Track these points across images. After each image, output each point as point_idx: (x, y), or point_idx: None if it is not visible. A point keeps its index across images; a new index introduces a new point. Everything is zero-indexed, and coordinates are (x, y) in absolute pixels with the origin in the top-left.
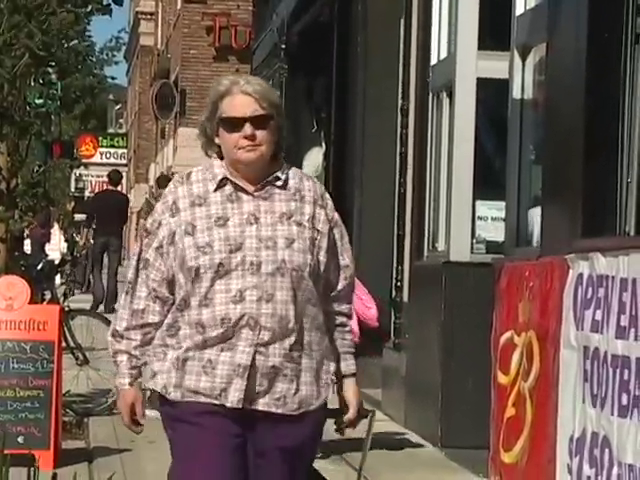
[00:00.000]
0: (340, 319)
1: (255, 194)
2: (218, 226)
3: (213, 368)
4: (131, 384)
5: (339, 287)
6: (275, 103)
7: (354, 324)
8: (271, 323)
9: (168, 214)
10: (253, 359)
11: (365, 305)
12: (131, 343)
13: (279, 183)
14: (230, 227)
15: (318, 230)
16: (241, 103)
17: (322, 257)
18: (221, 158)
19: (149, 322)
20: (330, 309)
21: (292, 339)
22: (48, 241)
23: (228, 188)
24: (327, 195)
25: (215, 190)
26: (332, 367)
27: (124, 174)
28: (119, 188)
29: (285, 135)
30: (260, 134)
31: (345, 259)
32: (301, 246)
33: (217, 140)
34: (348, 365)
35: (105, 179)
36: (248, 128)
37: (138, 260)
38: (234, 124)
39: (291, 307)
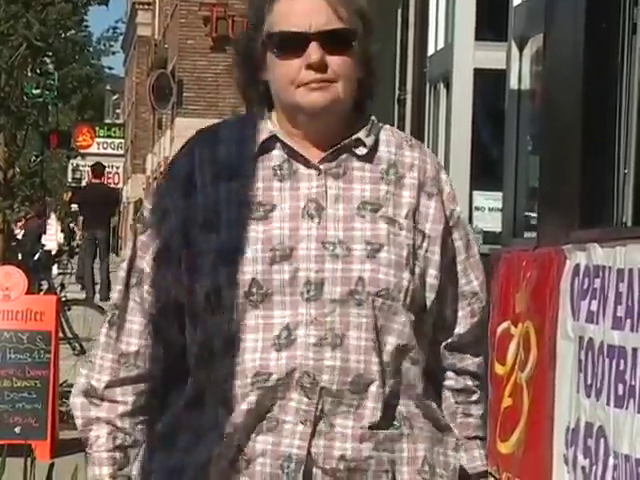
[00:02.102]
0: (462, 382)
1: (322, 167)
2: (255, 218)
3: (247, 465)
4: (114, 477)
5: (460, 328)
6: (362, 11)
7: None
8: (339, 384)
9: (179, 193)
10: (310, 446)
11: None
12: (116, 408)
13: (362, 151)
14: (275, 220)
15: (424, 233)
16: (304, 9)
17: (431, 278)
18: (269, 108)
19: (146, 375)
20: (444, 365)
21: (376, 413)
22: (44, 232)
23: (278, 154)
24: (444, 175)
25: (256, 156)
26: (452, 460)
27: (121, 164)
28: (117, 181)
29: (376, 71)
30: (335, 62)
31: (472, 282)
32: (393, 257)
33: (264, 75)
34: (474, 459)
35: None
36: (315, 51)
37: (129, 271)
38: (291, 44)
39: (373, 358)
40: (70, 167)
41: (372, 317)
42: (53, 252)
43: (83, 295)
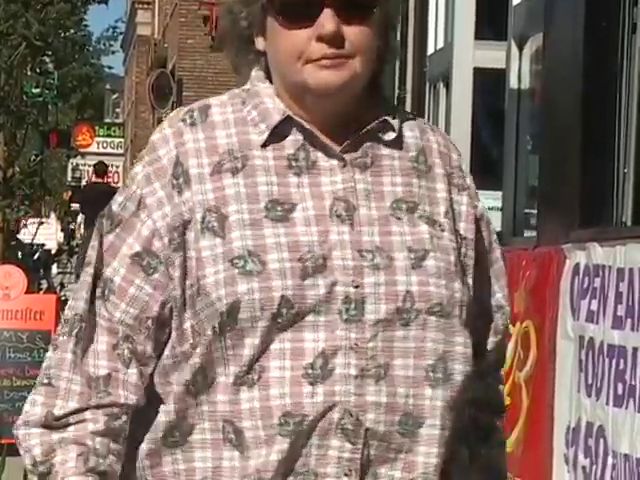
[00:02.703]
0: (486, 420)
1: (346, 157)
2: (274, 219)
3: None
4: None
5: (488, 350)
6: None
7: None
8: (387, 424)
9: (165, 184)
10: None
11: None
12: (86, 426)
13: (390, 136)
14: (299, 223)
15: (459, 234)
16: None
17: (471, 290)
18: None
19: (120, 403)
20: (466, 396)
21: (430, 460)
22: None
23: (292, 140)
24: (463, 161)
25: (267, 143)
26: None
27: (120, 164)
28: (116, 180)
29: (395, 45)
30: (353, 33)
31: (496, 293)
32: (442, 265)
33: (260, 44)
34: None
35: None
36: (329, 19)
37: (94, 280)
38: (299, 10)
39: (426, 391)
40: (70, 166)
41: (423, 340)
42: (53, 251)
43: None
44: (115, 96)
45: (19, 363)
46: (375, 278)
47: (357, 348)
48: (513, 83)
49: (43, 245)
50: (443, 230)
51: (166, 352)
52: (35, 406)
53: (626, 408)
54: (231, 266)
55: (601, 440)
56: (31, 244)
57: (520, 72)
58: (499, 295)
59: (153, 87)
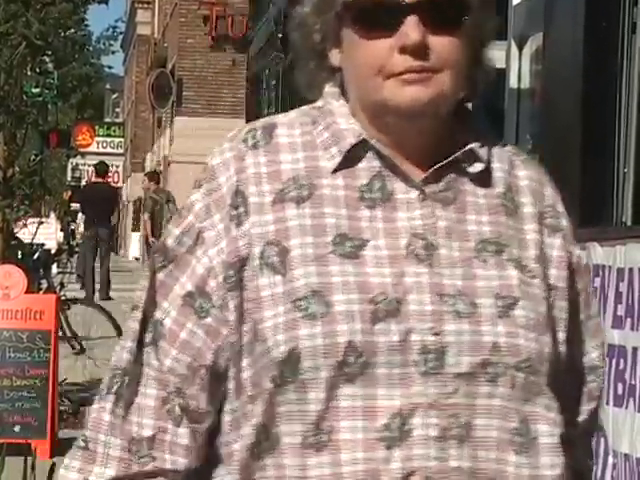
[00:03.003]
0: None
1: (426, 189)
2: (343, 255)
3: None
4: None
5: (580, 418)
6: None
7: None
8: None
9: (224, 216)
10: None
11: None
12: None
13: (475, 168)
14: (370, 262)
15: (549, 282)
16: None
17: (561, 346)
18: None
19: (167, 469)
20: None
21: None
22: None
23: (366, 168)
24: (561, 203)
25: (337, 169)
26: None
27: (120, 163)
28: (116, 180)
29: (488, 65)
30: (441, 44)
31: (591, 352)
32: (532, 316)
33: (335, 58)
34: None
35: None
36: (414, 28)
37: (142, 324)
38: (379, 18)
39: (510, 457)
40: (70, 166)
41: (509, 399)
42: (53, 251)
43: (82, 294)
44: (115, 96)
45: (19, 363)
46: (457, 326)
47: (437, 405)
48: (513, 83)
49: (43, 245)
50: (534, 277)
51: (226, 406)
52: (70, 471)
53: (626, 408)
54: (293, 308)
55: (602, 440)
56: (31, 244)
57: (520, 72)
58: (594, 355)
59: (153, 87)
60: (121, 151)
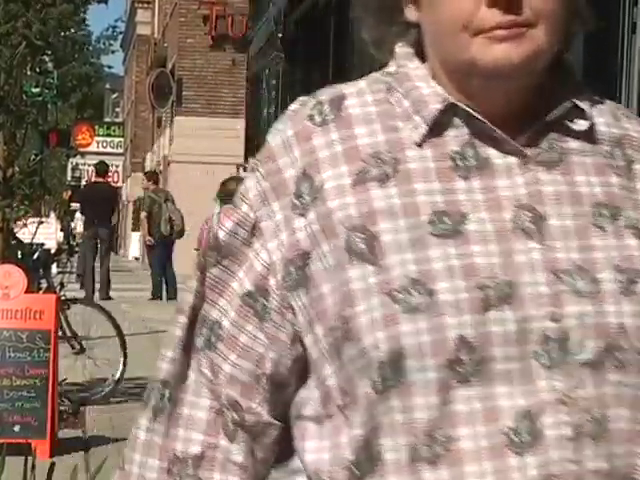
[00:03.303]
0: None
1: (527, 152)
2: (442, 235)
3: None
4: None
5: None
6: None
7: None
8: None
9: (282, 204)
10: None
11: None
12: None
13: (581, 125)
14: (473, 240)
15: None
16: None
17: None
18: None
19: None
20: None
21: None
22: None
23: (456, 135)
24: None
25: (424, 139)
26: None
27: (120, 163)
28: (116, 180)
29: (585, 11)
30: None
31: None
32: None
33: (412, 14)
34: None
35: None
36: None
37: (191, 325)
38: None
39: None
40: (69, 166)
41: (638, 386)
42: (52, 251)
43: (82, 294)
44: (115, 95)
45: (19, 363)
46: (579, 307)
47: (566, 400)
48: None
49: (43, 245)
50: None
51: (304, 420)
52: None
53: None
54: (390, 301)
55: None
56: (31, 244)
57: None
58: None
59: (153, 86)
60: (121, 151)
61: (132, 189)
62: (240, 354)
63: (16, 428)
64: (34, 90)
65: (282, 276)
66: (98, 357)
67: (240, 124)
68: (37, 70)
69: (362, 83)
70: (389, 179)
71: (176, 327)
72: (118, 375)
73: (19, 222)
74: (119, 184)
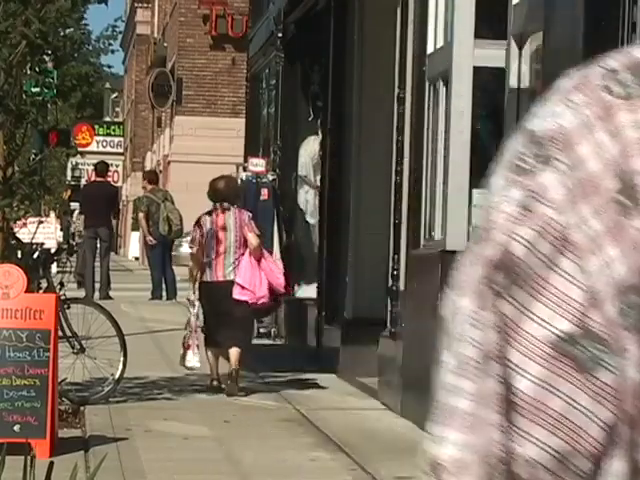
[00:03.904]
0: None
1: None
2: None
3: None
4: None
5: None
6: None
7: (265, 290)
8: None
9: (595, 208)
10: None
11: (276, 275)
12: None
13: None
14: None
15: None
16: None
17: None
18: None
19: None
20: None
21: None
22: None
23: None
24: None
25: None
26: None
27: (120, 163)
28: (116, 179)
29: None
30: None
31: None
32: None
33: None
34: None
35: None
36: None
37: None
38: None
39: None
40: (69, 165)
41: None
42: (52, 250)
43: (81, 293)
44: (115, 95)
45: (19, 362)
46: None
47: None
48: (513, 82)
49: (42, 244)
50: None
51: None
52: None
53: None
54: None
55: None
56: (30, 243)
57: (520, 71)
58: None
59: (153, 86)
60: (121, 150)
61: (132, 189)
62: (549, 428)
63: (16, 428)
64: (34, 89)
65: (618, 309)
66: (98, 357)
67: (240, 124)
68: (37, 69)
69: None
70: None
71: (481, 379)
72: (118, 375)
73: (19, 222)
74: (119, 184)
